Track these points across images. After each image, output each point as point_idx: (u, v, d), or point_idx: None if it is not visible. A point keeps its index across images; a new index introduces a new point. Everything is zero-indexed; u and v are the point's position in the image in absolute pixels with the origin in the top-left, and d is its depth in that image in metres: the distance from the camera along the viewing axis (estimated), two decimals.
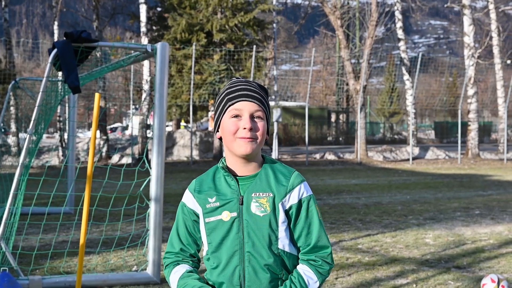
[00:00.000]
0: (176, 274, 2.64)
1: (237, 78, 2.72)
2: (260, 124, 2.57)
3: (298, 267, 2.60)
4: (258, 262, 2.52)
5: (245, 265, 2.53)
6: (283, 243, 2.57)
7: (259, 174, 2.60)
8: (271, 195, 2.55)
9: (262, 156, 2.67)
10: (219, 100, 2.65)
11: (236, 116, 2.56)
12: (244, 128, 2.53)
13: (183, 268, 2.66)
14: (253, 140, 2.54)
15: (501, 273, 7.01)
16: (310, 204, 2.61)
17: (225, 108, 2.59)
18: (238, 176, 2.61)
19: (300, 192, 2.59)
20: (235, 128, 2.55)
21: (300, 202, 2.58)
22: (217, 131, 2.67)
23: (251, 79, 2.70)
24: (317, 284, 2.57)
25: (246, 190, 2.57)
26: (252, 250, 2.53)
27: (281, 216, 2.56)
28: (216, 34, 26.92)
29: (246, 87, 2.61)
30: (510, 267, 7.37)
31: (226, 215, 2.55)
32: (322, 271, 2.59)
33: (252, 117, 2.56)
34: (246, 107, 2.56)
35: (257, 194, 2.55)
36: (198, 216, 2.64)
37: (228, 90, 2.62)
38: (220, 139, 2.66)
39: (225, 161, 2.65)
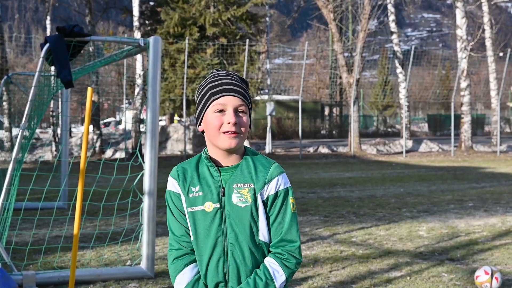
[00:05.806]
0: (183, 279, 2.61)
1: (217, 70, 2.69)
2: (244, 118, 2.57)
3: (265, 260, 2.59)
4: (241, 252, 2.53)
5: (228, 256, 2.55)
6: (263, 233, 2.57)
7: (240, 165, 2.60)
8: (252, 185, 2.55)
9: (244, 147, 2.66)
10: (201, 94, 2.62)
11: (220, 111, 2.55)
12: (229, 123, 2.52)
13: (189, 272, 2.62)
14: (238, 135, 2.54)
15: (495, 265, 7.04)
16: (286, 196, 2.60)
17: (209, 102, 2.58)
18: (220, 166, 2.60)
19: (278, 183, 2.59)
20: (219, 122, 2.54)
21: (276, 194, 2.58)
22: (199, 124, 2.65)
23: (231, 71, 2.67)
24: (283, 277, 2.55)
25: (228, 181, 2.57)
26: (234, 241, 2.54)
27: (260, 207, 2.56)
28: (209, 28, 26.89)
29: (229, 80, 2.59)
30: (503, 259, 7.40)
31: (209, 206, 2.55)
32: (289, 264, 2.57)
33: (236, 111, 2.56)
34: (230, 102, 2.55)
35: (238, 185, 2.55)
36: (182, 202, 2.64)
37: (211, 84, 2.59)
38: (202, 132, 2.65)
39: (207, 151, 2.64)
